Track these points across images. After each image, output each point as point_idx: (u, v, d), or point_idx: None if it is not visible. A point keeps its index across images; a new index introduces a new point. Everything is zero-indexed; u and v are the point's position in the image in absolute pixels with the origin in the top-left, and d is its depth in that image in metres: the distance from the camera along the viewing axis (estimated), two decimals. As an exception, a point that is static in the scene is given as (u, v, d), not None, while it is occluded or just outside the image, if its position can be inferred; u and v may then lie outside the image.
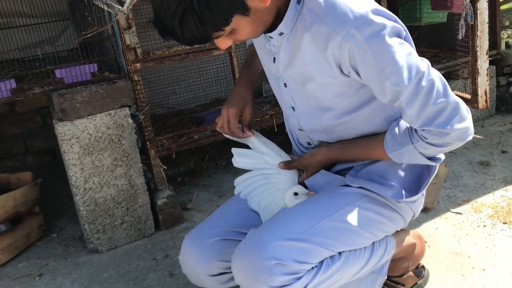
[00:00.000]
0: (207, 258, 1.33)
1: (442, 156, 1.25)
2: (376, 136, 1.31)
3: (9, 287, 1.90)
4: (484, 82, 2.07)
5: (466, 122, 1.13)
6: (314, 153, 1.40)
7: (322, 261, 1.22)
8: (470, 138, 1.16)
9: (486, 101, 2.09)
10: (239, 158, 1.44)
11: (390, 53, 1.07)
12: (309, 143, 1.44)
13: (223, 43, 1.14)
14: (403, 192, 1.32)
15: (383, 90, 1.12)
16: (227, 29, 1.07)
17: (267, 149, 1.42)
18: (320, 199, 1.31)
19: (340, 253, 1.25)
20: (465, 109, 1.14)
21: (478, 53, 2.03)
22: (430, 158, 1.22)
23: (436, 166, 1.36)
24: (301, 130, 1.40)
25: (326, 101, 1.27)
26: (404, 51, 1.09)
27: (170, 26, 1.03)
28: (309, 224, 1.22)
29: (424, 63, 1.11)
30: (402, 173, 1.35)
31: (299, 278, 1.16)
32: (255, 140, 1.43)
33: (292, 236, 1.18)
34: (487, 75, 2.09)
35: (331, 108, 1.28)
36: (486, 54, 2.06)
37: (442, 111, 1.11)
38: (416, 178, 1.37)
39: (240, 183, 1.46)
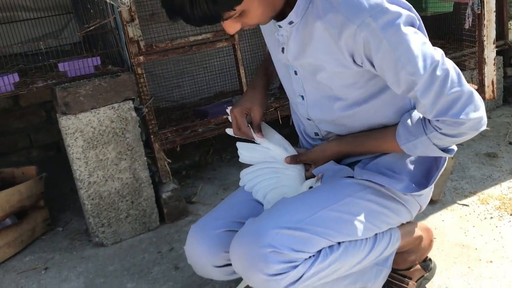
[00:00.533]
0: (212, 249, 1.32)
1: (455, 148, 1.23)
2: (387, 128, 1.30)
3: (15, 280, 1.91)
4: (491, 72, 2.04)
5: (480, 112, 1.12)
6: (323, 147, 1.38)
7: (320, 250, 1.21)
8: (484, 128, 1.15)
9: (493, 91, 2.07)
10: (244, 152, 1.43)
11: (405, 41, 1.07)
12: (316, 134, 1.42)
13: (232, 26, 1.13)
14: (413, 185, 1.30)
15: (398, 79, 1.11)
16: (238, 9, 1.06)
17: (272, 144, 1.41)
18: (321, 190, 1.31)
19: (339, 243, 1.24)
20: (478, 98, 1.13)
21: (485, 43, 2.00)
22: (443, 150, 1.20)
23: (445, 159, 1.35)
24: (309, 119, 1.39)
25: (336, 91, 1.25)
26: (419, 40, 1.09)
27: (179, 4, 1.02)
28: (308, 214, 1.21)
29: (438, 53, 1.10)
30: (411, 166, 1.34)
31: (296, 266, 1.16)
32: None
33: (289, 224, 1.18)
34: (494, 65, 2.06)
35: (341, 98, 1.27)
36: (493, 43, 2.03)
37: (457, 100, 1.10)
38: (425, 171, 1.36)
39: (245, 175, 1.45)
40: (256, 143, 1.42)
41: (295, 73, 1.31)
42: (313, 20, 1.16)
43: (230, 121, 1.46)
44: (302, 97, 1.35)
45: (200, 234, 1.35)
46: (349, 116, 1.29)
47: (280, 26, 1.22)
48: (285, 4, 1.17)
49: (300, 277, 1.17)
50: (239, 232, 1.23)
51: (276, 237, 1.15)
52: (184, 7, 1.02)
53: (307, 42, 1.20)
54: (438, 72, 1.08)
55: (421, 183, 1.34)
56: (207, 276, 1.40)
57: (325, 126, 1.37)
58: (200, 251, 1.34)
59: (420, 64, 1.07)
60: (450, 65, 1.11)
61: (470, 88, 1.12)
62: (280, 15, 1.22)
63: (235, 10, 1.06)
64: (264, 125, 1.45)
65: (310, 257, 1.19)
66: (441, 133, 1.15)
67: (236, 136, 1.46)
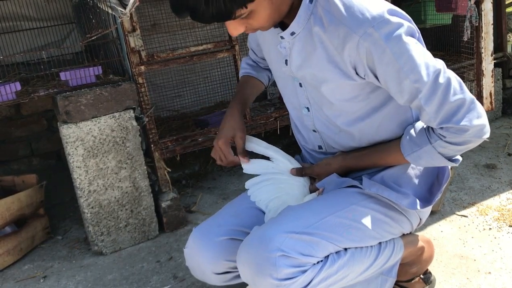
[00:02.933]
0: (214, 256, 1.33)
1: (459, 157, 1.24)
2: (391, 141, 1.31)
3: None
4: (489, 84, 2.06)
5: (483, 119, 1.14)
6: (328, 161, 1.39)
7: (328, 256, 1.21)
8: (487, 135, 1.16)
9: (491, 102, 2.08)
10: (249, 164, 1.43)
11: (407, 51, 1.09)
12: (320, 147, 1.43)
13: (236, 28, 1.14)
14: (418, 201, 1.32)
15: (401, 89, 1.13)
16: (249, 7, 1.07)
17: (277, 156, 1.42)
18: (326, 197, 1.32)
19: (346, 249, 1.24)
20: (480, 106, 1.15)
21: (483, 55, 2.02)
22: (448, 159, 1.21)
23: (448, 175, 1.36)
24: (315, 131, 1.40)
25: (338, 105, 1.27)
26: (421, 50, 1.11)
27: (192, 0, 1.02)
28: (314, 219, 1.22)
29: (439, 62, 1.13)
30: (416, 180, 1.35)
31: (304, 271, 1.16)
32: (264, 150, 1.43)
33: (297, 229, 1.18)
34: (492, 76, 2.08)
35: (342, 113, 1.28)
36: (491, 55, 2.05)
37: (460, 107, 1.12)
38: (430, 186, 1.37)
39: (251, 185, 1.46)
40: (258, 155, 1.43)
41: (300, 85, 1.32)
42: (316, 31, 1.18)
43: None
44: (308, 108, 1.36)
45: (203, 240, 1.35)
46: (353, 132, 1.31)
47: (282, 37, 1.24)
48: (287, 13, 1.19)
49: (309, 282, 1.17)
50: (246, 240, 1.23)
51: (285, 241, 1.15)
52: (198, 3, 1.02)
53: (310, 53, 1.21)
54: (441, 80, 1.10)
55: (425, 197, 1.35)
56: (203, 280, 1.41)
57: (330, 141, 1.39)
58: (201, 257, 1.34)
59: (424, 72, 1.09)
60: (452, 74, 1.13)
61: (472, 96, 1.14)
62: (281, 27, 1.23)
63: (247, 8, 1.07)
64: (262, 144, 1.45)
65: (318, 262, 1.19)
66: (445, 141, 1.16)
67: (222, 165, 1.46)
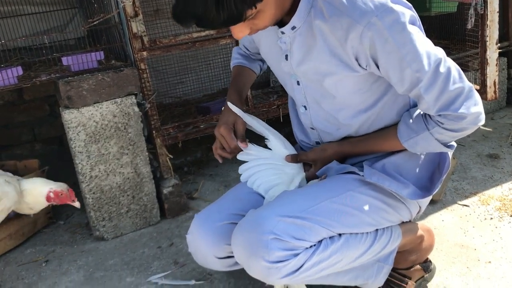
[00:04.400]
0: (215, 240, 1.34)
1: (454, 144, 1.27)
2: (388, 128, 1.32)
3: (16, 272, 1.92)
4: (493, 73, 2.04)
5: (479, 106, 1.16)
6: (324, 147, 1.40)
7: (321, 241, 1.22)
8: (482, 122, 1.18)
9: (495, 92, 2.07)
10: (244, 151, 1.43)
11: (410, 40, 1.10)
12: (318, 143, 1.44)
13: (242, 30, 1.14)
14: (418, 191, 1.33)
15: (402, 78, 1.13)
16: (258, 7, 1.08)
17: (273, 138, 1.42)
18: (323, 183, 1.33)
19: (340, 235, 1.25)
20: (477, 93, 1.17)
21: (488, 43, 2.00)
22: (444, 145, 1.23)
23: (449, 164, 1.36)
24: (313, 129, 1.41)
25: (340, 100, 1.27)
26: (423, 39, 1.12)
27: (203, 6, 1.00)
28: (309, 204, 1.23)
29: (440, 51, 1.14)
30: (417, 169, 1.36)
31: (297, 254, 1.17)
32: (263, 130, 1.43)
33: (291, 213, 1.19)
34: (496, 65, 2.06)
35: (344, 107, 1.28)
36: (496, 44, 2.03)
37: (459, 95, 1.13)
38: (431, 175, 1.38)
39: (245, 170, 1.46)
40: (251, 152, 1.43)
41: (298, 83, 1.33)
42: (317, 23, 1.18)
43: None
44: (305, 107, 1.37)
45: (204, 225, 1.37)
46: (353, 124, 1.31)
47: (282, 33, 1.24)
48: (288, 9, 1.19)
49: (301, 266, 1.18)
50: (240, 222, 1.25)
51: (278, 225, 1.16)
52: (209, 9, 1.00)
53: (311, 46, 1.22)
54: (442, 69, 1.12)
55: (426, 186, 1.36)
56: (207, 266, 1.42)
57: (328, 137, 1.40)
58: (203, 242, 1.35)
59: (425, 61, 1.10)
60: (452, 63, 1.15)
61: (470, 84, 1.16)
62: (280, 24, 1.23)
63: (256, 8, 1.07)
64: (262, 124, 1.45)
65: (311, 246, 1.20)
66: (443, 127, 1.18)
67: (219, 157, 1.47)
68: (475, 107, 1.14)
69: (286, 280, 1.19)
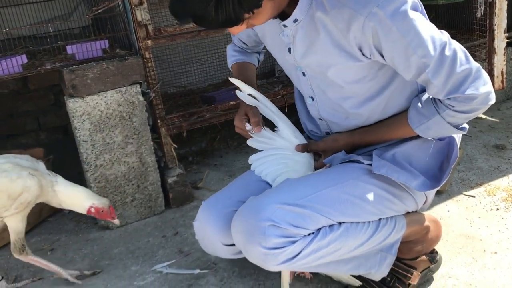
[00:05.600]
0: (222, 226, 1.34)
1: (466, 126, 1.26)
2: (397, 115, 1.32)
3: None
4: (500, 62, 2.02)
5: (488, 85, 1.15)
6: (335, 137, 1.39)
7: (320, 229, 1.22)
8: (493, 101, 1.17)
9: (502, 81, 2.05)
10: (254, 137, 1.43)
11: (414, 27, 1.09)
12: (328, 133, 1.44)
13: (237, 28, 1.14)
14: (428, 182, 1.32)
15: (409, 65, 1.13)
16: (256, 11, 1.08)
17: (284, 126, 1.41)
18: (326, 172, 1.32)
19: (340, 223, 1.24)
20: (485, 73, 1.16)
21: (496, 32, 1.98)
22: (457, 128, 1.23)
23: (457, 152, 1.35)
24: (321, 119, 1.41)
25: (347, 88, 1.26)
26: (426, 24, 1.11)
27: (201, 7, 1.01)
28: (309, 192, 1.23)
29: (444, 34, 1.13)
30: (427, 159, 1.35)
31: (294, 242, 1.17)
32: (273, 116, 1.43)
33: (290, 201, 1.20)
34: (504, 55, 2.04)
35: (352, 96, 1.28)
36: (504, 33, 2.00)
37: (467, 77, 1.13)
38: (441, 164, 1.37)
39: (256, 160, 1.46)
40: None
41: (303, 74, 1.32)
42: (318, 16, 1.18)
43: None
44: (312, 98, 1.36)
45: (211, 211, 1.37)
46: (362, 113, 1.30)
47: (285, 26, 1.23)
48: (288, 3, 1.19)
49: (299, 253, 1.18)
50: (240, 208, 1.26)
51: (276, 212, 1.17)
52: (207, 10, 1.01)
53: (314, 39, 1.21)
54: (447, 52, 1.11)
55: (436, 176, 1.35)
56: (213, 253, 1.43)
57: (337, 127, 1.39)
58: (210, 228, 1.36)
59: (430, 46, 1.10)
60: (457, 45, 1.14)
61: (477, 64, 1.15)
62: (281, 17, 1.23)
63: (254, 13, 1.08)
64: (273, 110, 1.44)
65: (309, 234, 1.20)
66: (454, 110, 1.17)
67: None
68: (484, 87, 1.14)
69: (283, 266, 1.19)
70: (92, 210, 1.67)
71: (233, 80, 1.42)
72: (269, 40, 1.40)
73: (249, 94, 1.41)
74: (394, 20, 1.08)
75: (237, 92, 1.42)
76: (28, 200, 1.58)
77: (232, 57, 1.65)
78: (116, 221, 1.74)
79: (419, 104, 1.25)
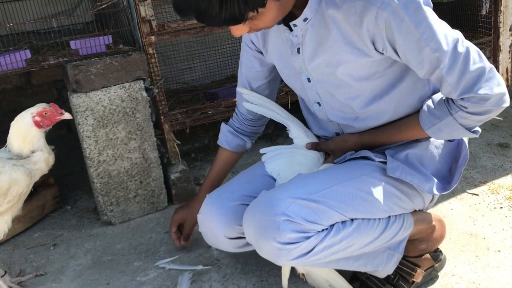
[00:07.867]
0: (226, 220, 1.35)
1: (479, 129, 1.24)
2: (409, 116, 1.31)
3: (24, 255, 1.93)
4: (505, 60, 2.01)
5: (503, 86, 1.14)
6: (345, 138, 1.39)
7: (333, 225, 1.21)
8: (507, 104, 1.15)
9: (507, 79, 2.04)
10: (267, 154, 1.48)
11: (426, 18, 1.08)
12: (338, 134, 1.44)
13: (240, 29, 1.13)
14: (440, 185, 1.32)
15: (422, 59, 1.11)
16: (260, 10, 1.07)
17: (294, 126, 1.43)
18: (338, 167, 1.32)
19: (352, 220, 1.24)
20: (498, 74, 1.14)
21: (501, 29, 1.97)
22: (469, 131, 1.21)
23: (466, 154, 1.34)
24: (332, 121, 1.41)
25: (355, 86, 1.25)
26: (438, 20, 1.11)
27: (205, 1, 1.00)
28: (322, 187, 1.22)
29: (456, 32, 1.12)
30: (438, 160, 1.35)
31: (308, 237, 1.16)
32: (282, 119, 1.47)
33: (304, 196, 1.19)
34: (509, 52, 2.03)
35: (359, 94, 1.27)
36: (510, 30, 1.99)
37: (481, 76, 1.11)
38: (450, 165, 1.37)
39: (269, 151, 1.49)
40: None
41: (308, 80, 1.31)
42: (330, 13, 1.17)
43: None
44: (319, 103, 1.36)
45: (216, 205, 1.37)
46: (371, 112, 1.30)
47: (295, 25, 1.23)
48: (295, 4, 1.18)
49: (312, 249, 1.17)
50: (253, 202, 1.25)
51: (290, 207, 1.16)
52: (211, 7, 1.00)
53: (325, 37, 1.21)
54: (460, 49, 1.10)
55: (446, 177, 1.35)
56: (217, 246, 1.43)
57: (348, 129, 1.39)
58: (214, 221, 1.36)
59: (443, 41, 1.09)
60: (469, 43, 1.13)
61: (490, 64, 1.13)
62: (288, 18, 1.22)
63: (258, 12, 1.07)
64: (282, 112, 1.48)
65: (323, 230, 1.19)
66: (467, 111, 1.15)
67: None
68: (498, 88, 1.12)
69: (296, 262, 1.19)
70: (37, 118, 1.50)
71: (243, 90, 1.47)
72: (270, 48, 1.39)
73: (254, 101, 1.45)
74: (407, 10, 1.07)
75: (245, 104, 1.44)
76: (19, 192, 1.50)
77: (223, 136, 1.70)
78: (67, 115, 1.57)
79: (432, 105, 1.24)
